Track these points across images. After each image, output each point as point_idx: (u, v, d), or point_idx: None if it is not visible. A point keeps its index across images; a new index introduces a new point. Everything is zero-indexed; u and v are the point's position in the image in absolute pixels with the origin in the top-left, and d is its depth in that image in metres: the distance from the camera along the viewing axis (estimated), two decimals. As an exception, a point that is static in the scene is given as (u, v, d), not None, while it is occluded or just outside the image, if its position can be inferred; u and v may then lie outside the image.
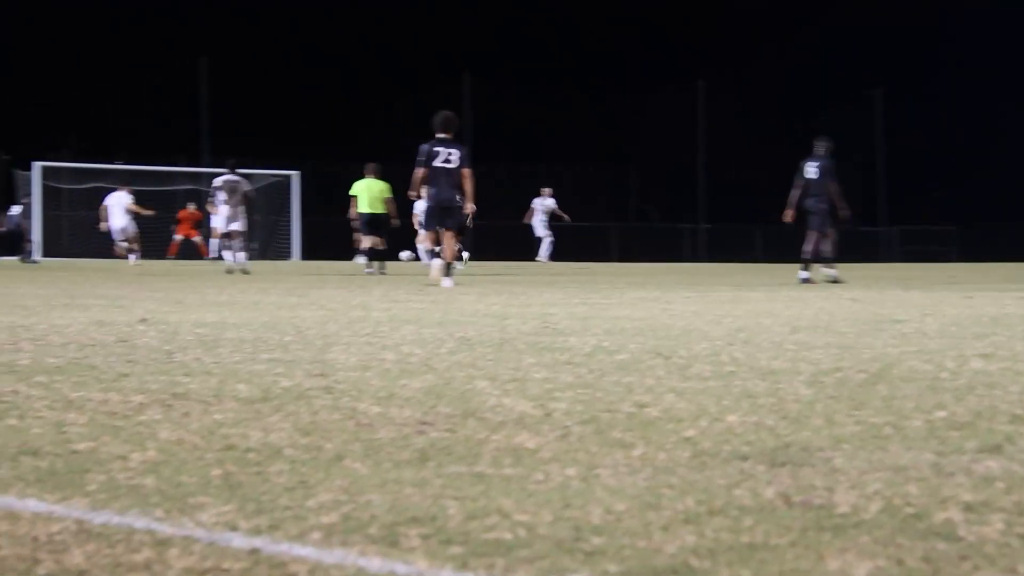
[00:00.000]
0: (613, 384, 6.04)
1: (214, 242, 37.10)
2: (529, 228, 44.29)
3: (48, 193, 44.50)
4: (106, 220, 35.91)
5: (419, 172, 18.38)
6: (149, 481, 3.69)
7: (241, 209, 27.04)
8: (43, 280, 20.16)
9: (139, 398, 5.46)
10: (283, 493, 3.53)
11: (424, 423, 4.80)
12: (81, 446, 4.26)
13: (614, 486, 3.65)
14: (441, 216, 18.48)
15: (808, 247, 22.66)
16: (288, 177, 47.53)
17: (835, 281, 21.97)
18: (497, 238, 47.32)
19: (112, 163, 48.21)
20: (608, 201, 61.80)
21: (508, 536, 3.06)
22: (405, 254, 30.46)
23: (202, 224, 41.89)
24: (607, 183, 62.33)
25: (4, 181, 49.49)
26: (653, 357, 7.37)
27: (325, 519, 3.22)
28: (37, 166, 44.21)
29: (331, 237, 43.76)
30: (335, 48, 62.51)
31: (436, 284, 18.11)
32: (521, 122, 60.35)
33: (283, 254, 46.48)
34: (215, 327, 9.59)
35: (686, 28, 65.36)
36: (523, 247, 44.89)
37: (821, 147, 23.08)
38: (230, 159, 28.77)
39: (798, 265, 22.77)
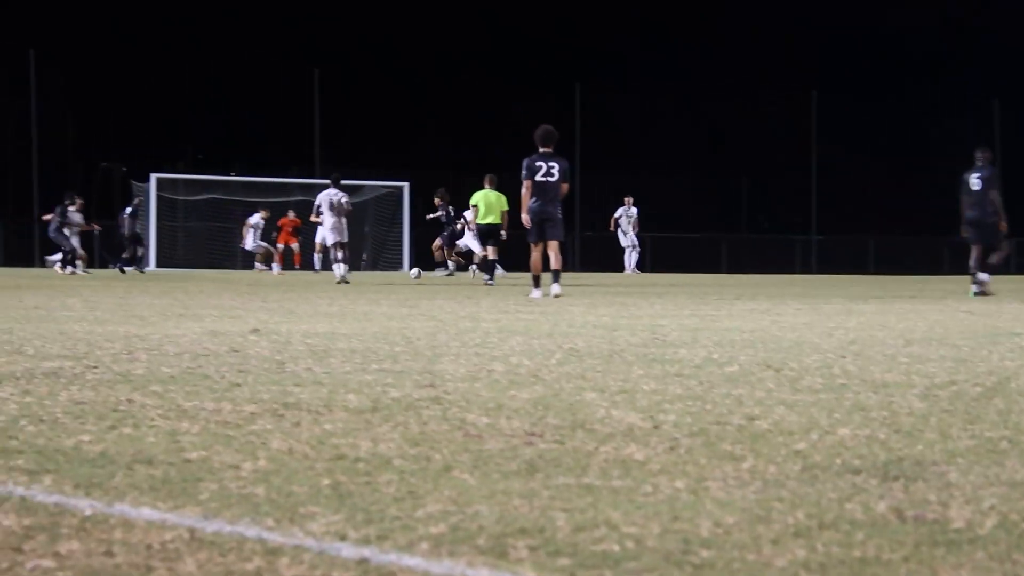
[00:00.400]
0: (723, 396, 6.01)
1: (315, 255, 37.74)
2: (615, 238, 44.15)
3: (163, 204, 45.14)
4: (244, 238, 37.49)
5: (526, 185, 18.67)
6: (260, 490, 3.72)
7: (344, 222, 27.70)
8: (158, 291, 20.47)
9: (251, 408, 5.51)
10: (392, 503, 3.55)
11: (532, 434, 4.80)
12: (194, 455, 4.31)
13: (723, 499, 3.62)
14: (543, 228, 18.70)
15: (979, 259, 22.05)
16: (399, 188, 47.82)
17: (982, 293, 21.28)
18: (604, 249, 47.20)
19: (227, 175, 48.85)
20: (719, 212, 61.49)
21: (616, 548, 3.04)
22: (413, 272, 31.02)
23: (300, 231, 42.16)
24: (718, 194, 62.02)
25: (121, 193, 50.34)
26: (763, 369, 7.31)
27: (434, 529, 3.23)
28: (153, 178, 44.89)
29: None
30: (446, 59, 62.86)
31: (555, 296, 18.15)
32: (631, 132, 60.26)
33: (394, 265, 46.73)
34: (326, 337, 9.67)
35: (799, 38, 64.88)
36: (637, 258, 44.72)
37: (980, 157, 22.47)
38: (334, 173, 29.38)
39: (964, 278, 22.40)
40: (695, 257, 50.94)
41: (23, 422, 5.01)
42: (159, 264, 42.58)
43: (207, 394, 5.97)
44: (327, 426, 4.99)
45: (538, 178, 18.51)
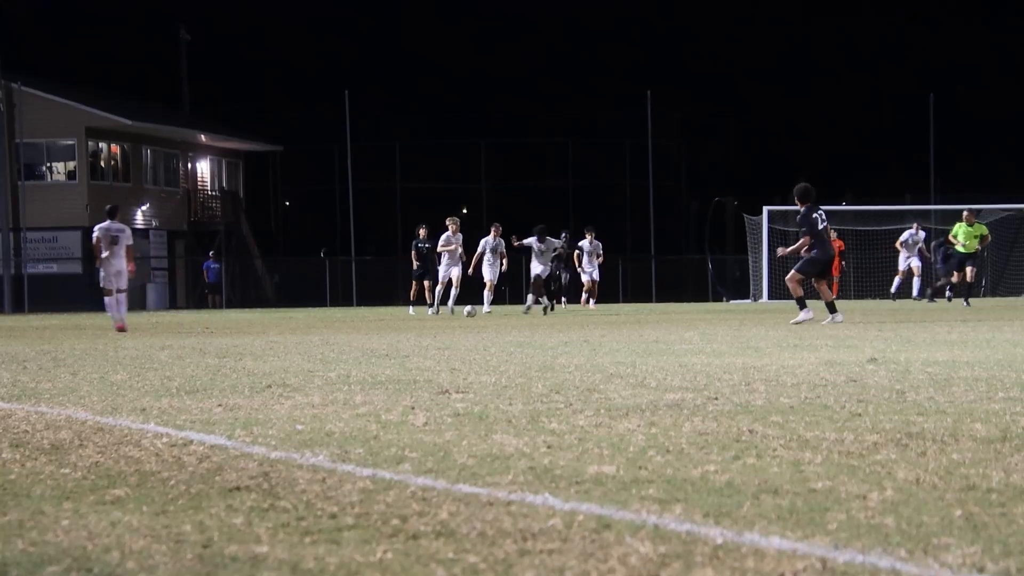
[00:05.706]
0: None
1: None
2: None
3: (774, 236, 45.53)
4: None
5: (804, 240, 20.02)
6: (889, 520, 3.65)
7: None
8: (772, 322, 20.63)
9: (873, 437, 5.44)
10: (1030, 537, 3.40)
11: None
12: (819, 485, 4.29)
13: None
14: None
15: None
16: (1023, 211, 46.07)
17: None
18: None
19: (838, 204, 48.72)
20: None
21: None
22: (467, 308, 27.64)
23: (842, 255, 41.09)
24: None
25: (734, 226, 51.29)
26: None
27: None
28: (766, 210, 45.44)
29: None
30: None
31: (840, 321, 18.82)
32: None
33: (1015, 290, 45.02)
34: (946, 366, 9.42)
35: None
36: None
37: None
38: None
39: None
40: None
41: (651, 452, 5.15)
42: (770, 296, 43.04)
43: (828, 424, 5.94)
44: (954, 456, 4.85)
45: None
